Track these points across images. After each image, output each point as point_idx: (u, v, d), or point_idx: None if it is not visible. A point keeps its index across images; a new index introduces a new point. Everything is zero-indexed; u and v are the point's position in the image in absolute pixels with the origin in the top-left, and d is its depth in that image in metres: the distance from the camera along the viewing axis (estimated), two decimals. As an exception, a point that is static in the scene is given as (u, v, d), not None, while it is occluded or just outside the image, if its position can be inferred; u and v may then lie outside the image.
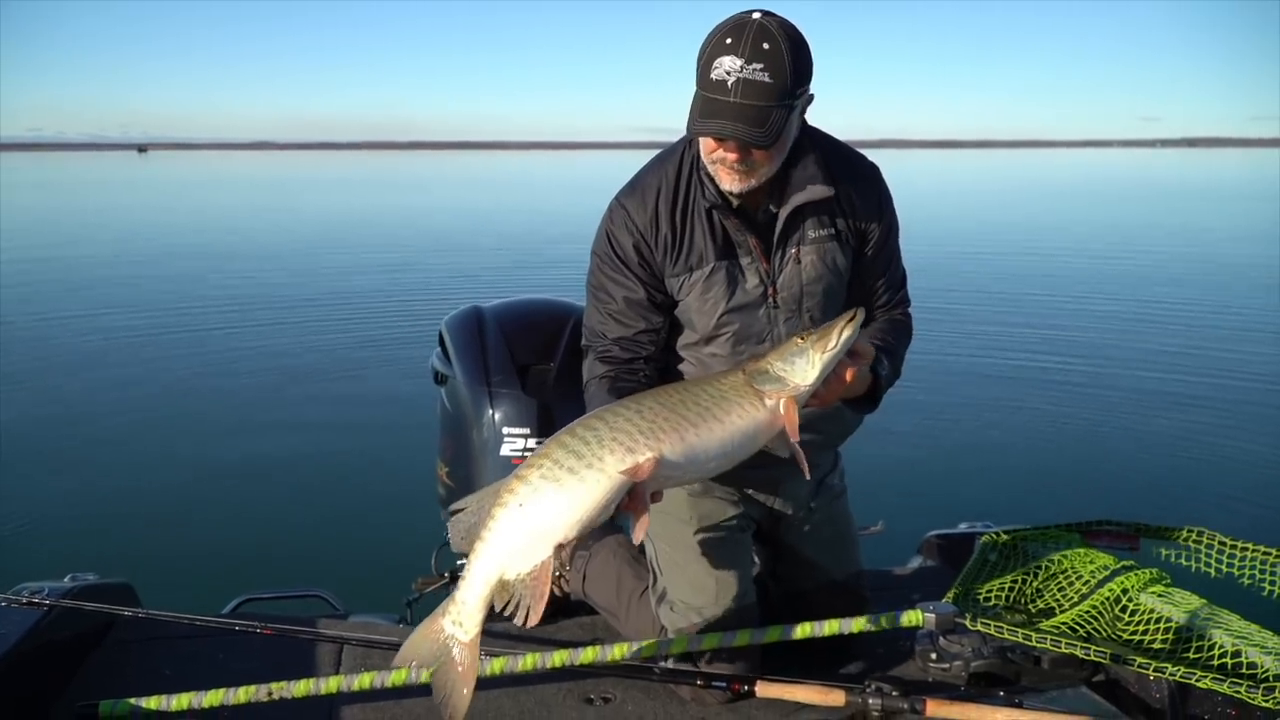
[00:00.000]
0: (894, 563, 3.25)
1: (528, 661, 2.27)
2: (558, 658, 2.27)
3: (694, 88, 2.07)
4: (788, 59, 1.99)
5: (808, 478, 1.97)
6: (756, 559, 2.63)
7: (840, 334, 1.88)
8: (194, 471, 6.88)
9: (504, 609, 1.64)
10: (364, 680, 2.22)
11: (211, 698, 2.14)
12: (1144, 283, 15.68)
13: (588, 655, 2.26)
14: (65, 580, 2.69)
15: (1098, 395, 8.86)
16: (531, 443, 3.09)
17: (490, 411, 3.11)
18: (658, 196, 2.23)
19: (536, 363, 3.19)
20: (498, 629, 2.82)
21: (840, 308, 2.28)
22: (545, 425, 3.11)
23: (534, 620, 1.60)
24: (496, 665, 2.25)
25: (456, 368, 3.25)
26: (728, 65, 1.98)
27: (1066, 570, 2.60)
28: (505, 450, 3.10)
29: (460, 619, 1.62)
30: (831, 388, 1.99)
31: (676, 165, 2.26)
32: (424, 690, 2.34)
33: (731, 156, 2.07)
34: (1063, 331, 11.72)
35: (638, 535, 1.75)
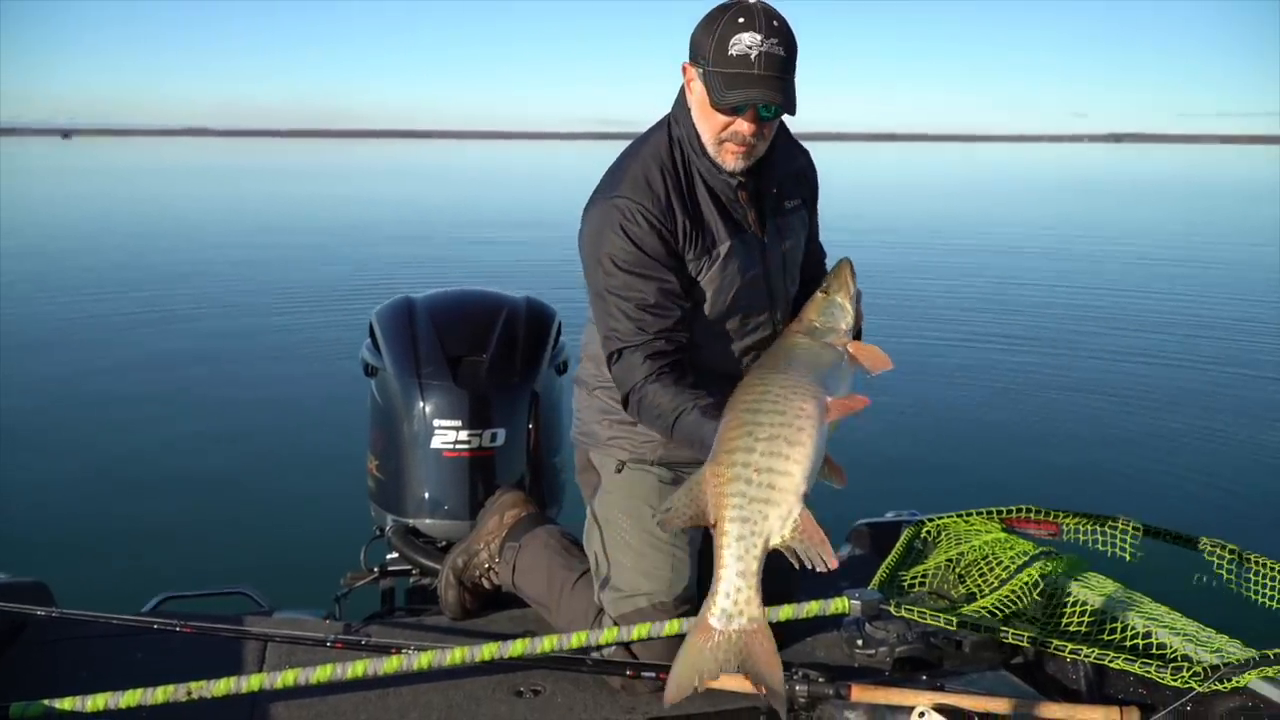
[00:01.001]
0: None
1: (456, 655, 2.25)
2: (486, 651, 2.26)
3: (701, 68, 2.16)
4: (791, 35, 2.14)
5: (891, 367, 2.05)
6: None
7: (847, 275, 2.03)
8: (115, 465, 6.70)
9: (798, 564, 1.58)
10: (288, 677, 2.19)
11: (129, 698, 2.09)
12: (1073, 275, 16.07)
13: (517, 648, 2.26)
14: None
15: (1024, 386, 9.04)
16: (464, 434, 3.08)
17: (421, 404, 3.08)
18: (666, 188, 2.26)
19: (468, 354, 3.17)
20: (425, 623, 2.81)
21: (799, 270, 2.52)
22: (477, 417, 3.10)
23: (832, 563, 1.55)
24: (424, 660, 2.23)
25: (386, 359, 3.22)
26: (748, 40, 2.09)
27: (989, 557, 2.66)
28: (436, 442, 3.08)
29: (741, 609, 1.52)
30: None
31: (668, 153, 2.31)
32: (350, 686, 2.33)
33: (748, 130, 2.17)
34: (991, 323, 11.94)
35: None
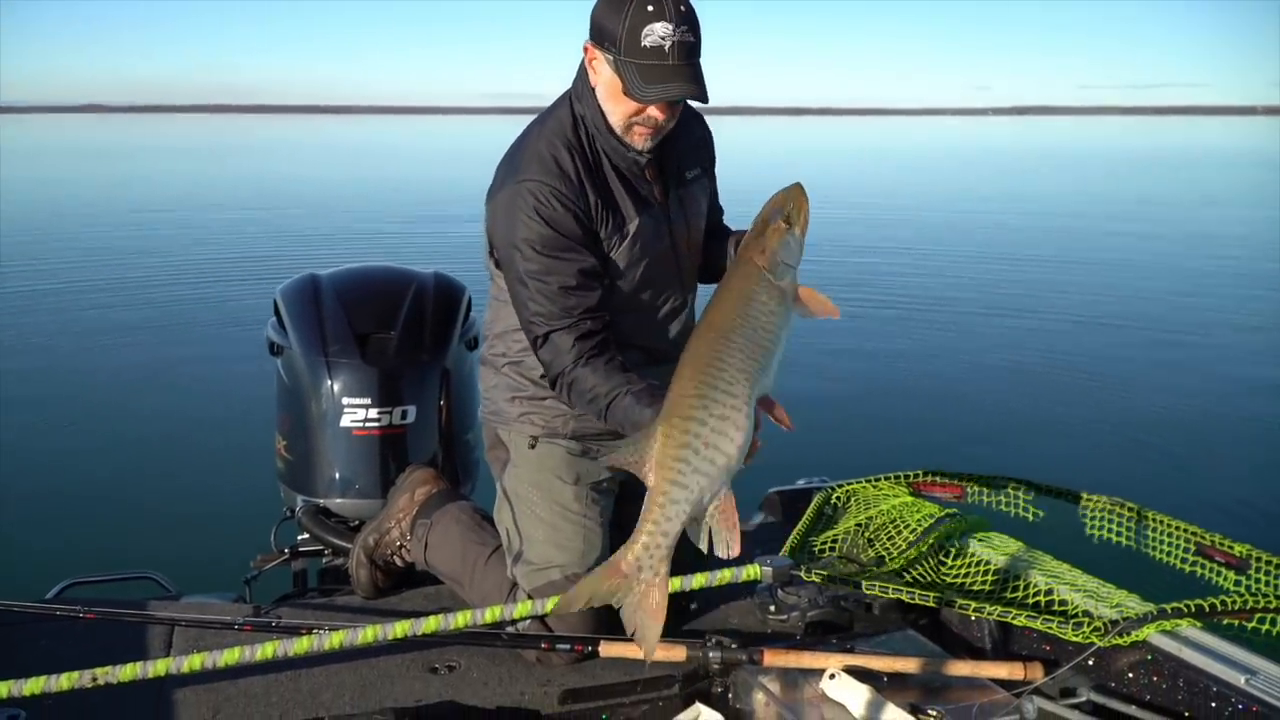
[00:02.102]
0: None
1: (368, 634, 2.22)
2: (399, 628, 2.24)
3: (611, 55, 2.15)
4: (697, 20, 2.15)
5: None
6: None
7: (807, 208, 1.91)
8: (13, 449, 6.47)
9: (708, 546, 1.65)
10: (194, 661, 2.14)
11: (32, 685, 2.03)
12: (981, 245, 16.44)
13: (430, 624, 2.24)
14: None
15: (929, 352, 9.25)
16: (373, 412, 3.04)
17: (329, 382, 3.03)
18: (575, 168, 2.26)
19: (376, 331, 3.13)
20: (338, 604, 2.78)
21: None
22: (387, 394, 3.06)
23: (736, 551, 1.62)
24: (335, 639, 2.20)
25: (293, 337, 3.16)
26: (660, 31, 2.08)
27: (896, 520, 2.72)
28: (346, 421, 3.04)
29: (652, 563, 1.61)
30: None
31: (573, 132, 2.30)
32: (261, 669, 2.29)
33: (662, 116, 2.21)
34: (899, 291, 12.17)
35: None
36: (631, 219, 2.31)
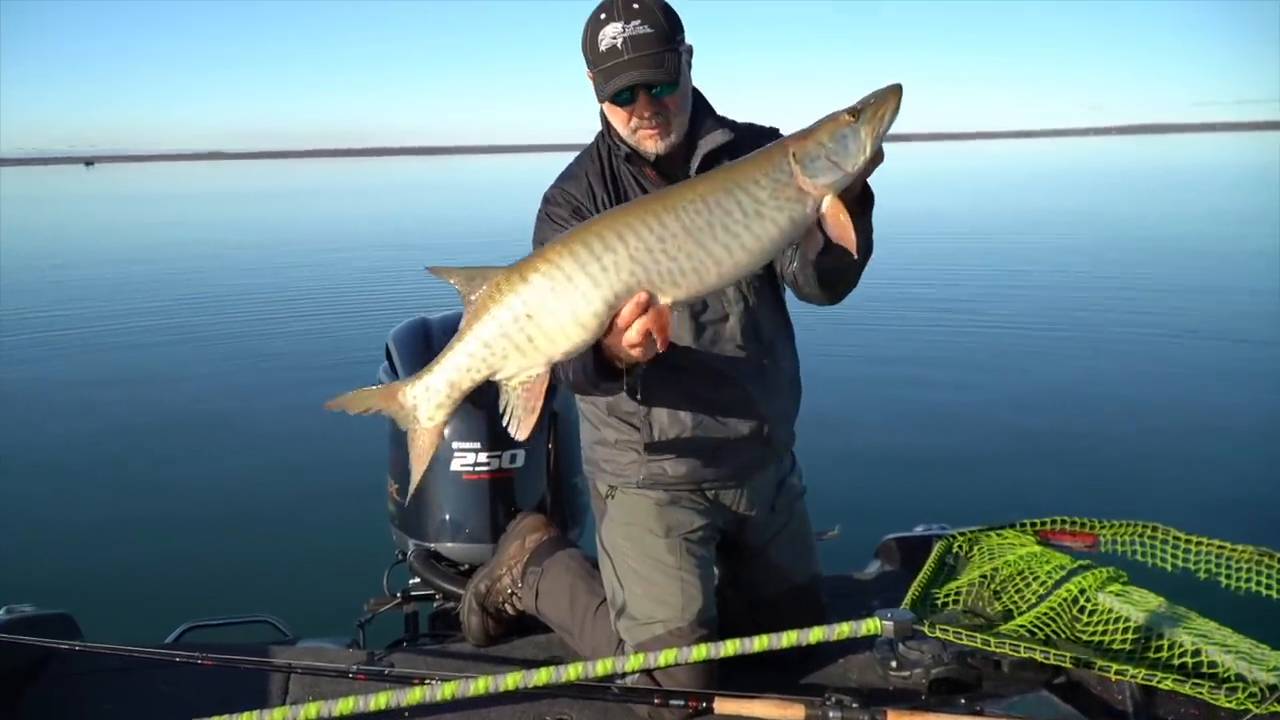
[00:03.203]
0: (852, 568, 3.22)
1: (479, 685, 2.19)
2: (511, 680, 2.20)
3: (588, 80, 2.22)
4: (659, 11, 2.17)
5: (855, 256, 1.77)
6: (716, 568, 2.60)
7: (889, 113, 1.66)
8: (137, 495, 6.65)
9: (500, 414, 1.60)
10: (310, 710, 2.12)
11: (152, 732, 2.06)
12: (1102, 274, 15.52)
13: (542, 676, 2.19)
14: (0, 611, 2.59)
15: (1053, 391, 8.78)
16: (483, 456, 3.04)
17: None
18: (587, 175, 2.36)
19: None
20: (449, 650, 2.76)
21: None
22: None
23: (523, 434, 1.59)
24: (447, 690, 2.17)
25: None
26: (611, 32, 2.15)
27: (1024, 571, 2.58)
28: (455, 465, 3.05)
29: (425, 403, 1.57)
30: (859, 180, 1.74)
31: (596, 150, 2.40)
32: (374, 718, 2.27)
33: (646, 114, 2.21)
34: (1018, 318, 11.73)
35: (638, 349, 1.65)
36: None
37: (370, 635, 3.10)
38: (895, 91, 1.67)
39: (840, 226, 1.65)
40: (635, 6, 2.15)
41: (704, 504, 2.48)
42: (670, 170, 2.33)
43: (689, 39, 2.29)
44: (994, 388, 8.90)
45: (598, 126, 2.41)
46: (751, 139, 2.29)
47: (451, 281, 1.62)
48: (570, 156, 2.52)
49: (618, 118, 2.27)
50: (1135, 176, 53.48)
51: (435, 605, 3.15)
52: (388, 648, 2.83)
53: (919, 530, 3.19)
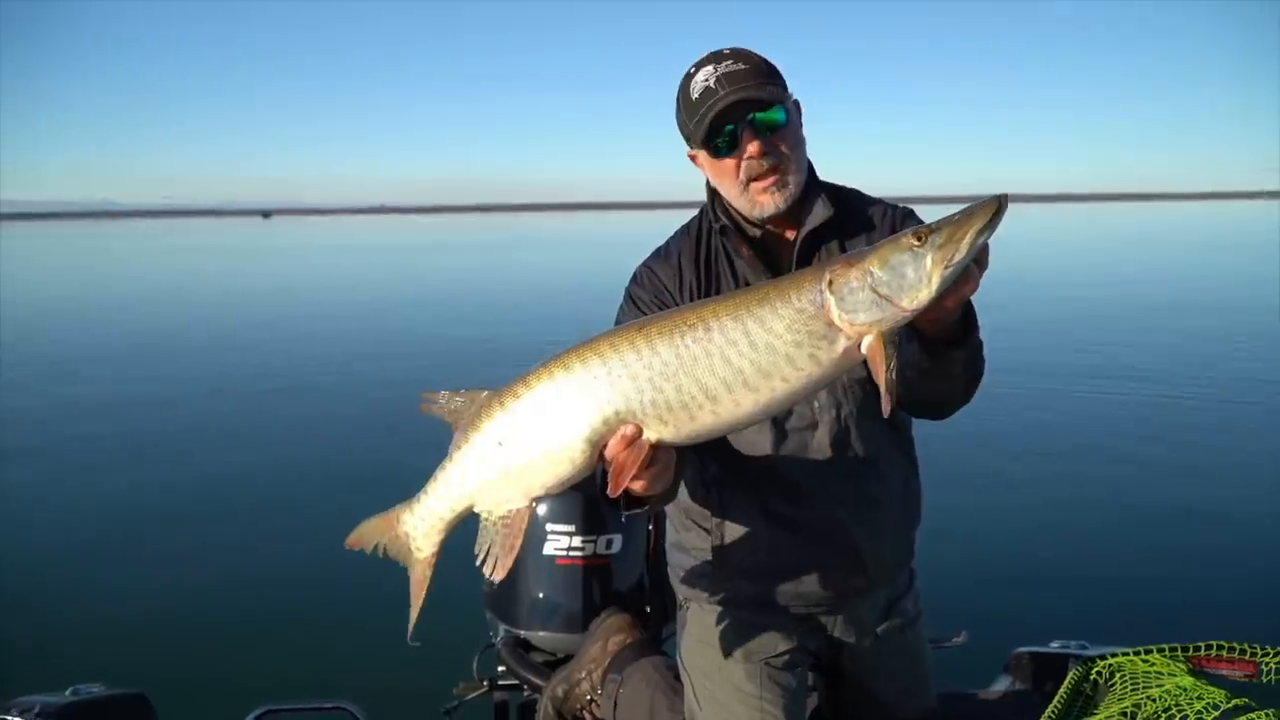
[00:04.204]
0: (977, 681, 2.92)
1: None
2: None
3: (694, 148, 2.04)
4: (755, 55, 1.98)
5: (890, 407, 1.47)
6: (813, 694, 2.33)
7: (972, 234, 1.36)
8: (215, 566, 6.61)
9: (478, 554, 1.53)
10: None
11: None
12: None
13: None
14: (66, 694, 2.54)
15: (1213, 496, 7.97)
16: (577, 540, 2.91)
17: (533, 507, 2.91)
18: (679, 252, 2.12)
19: None
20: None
21: None
22: (592, 522, 2.93)
23: (499, 575, 1.50)
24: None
25: None
26: (701, 77, 1.95)
27: (1170, 709, 2.24)
28: (549, 549, 2.92)
29: (416, 535, 1.54)
30: (928, 315, 1.48)
31: (696, 225, 2.16)
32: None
33: (755, 151, 1.93)
34: (1178, 422, 10.45)
35: (616, 487, 1.50)
36: None
37: None
38: (988, 208, 1.39)
39: (878, 374, 1.40)
40: (726, 51, 1.97)
41: (791, 624, 2.19)
42: (773, 252, 2.05)
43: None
44: (1150, 488, 8.15)
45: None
46: (866, 216, 2.09)
47: (433, 411, 1.55)
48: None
49: (724, 174, 1.99)
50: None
51: (526, 694, 3.01)
52: None
53: (1054, 646, 2.87)
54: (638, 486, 1.54)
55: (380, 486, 8.47)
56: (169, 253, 62.33)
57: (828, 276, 1.39)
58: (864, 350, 1.38)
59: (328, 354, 15.97)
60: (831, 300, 1.37)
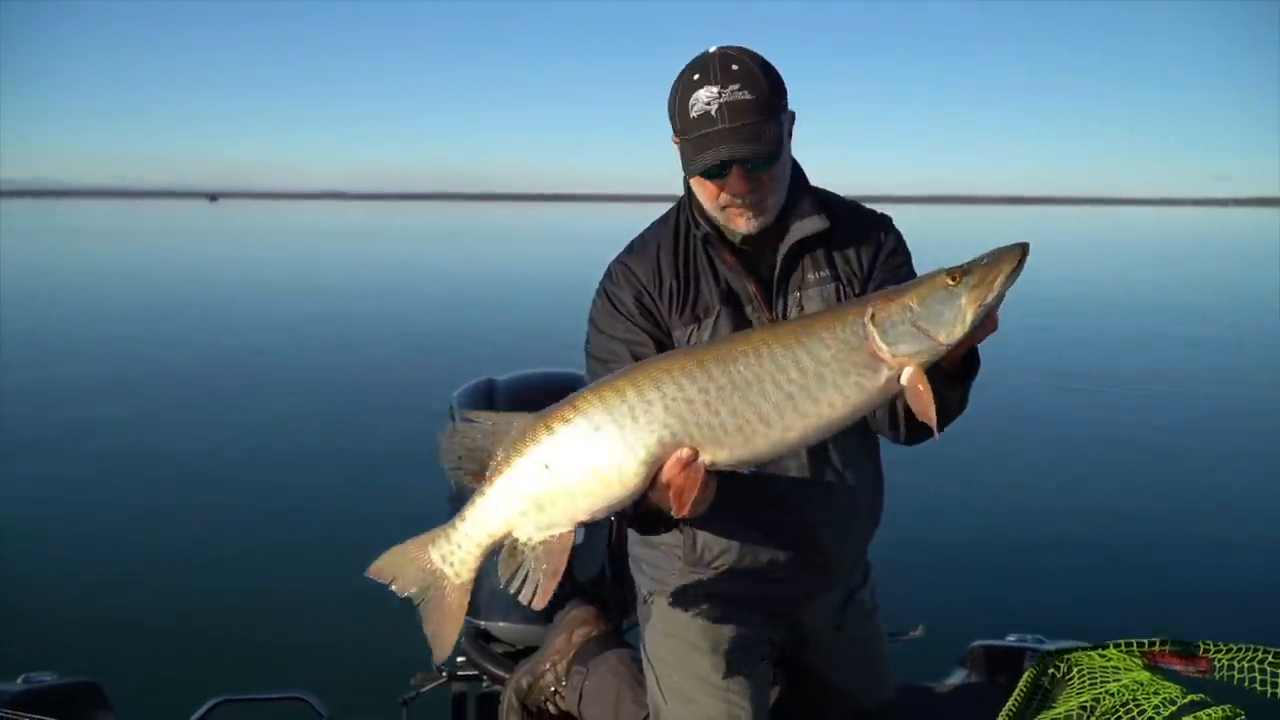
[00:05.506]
0: (934, 675, 2.95)
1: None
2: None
3: (677, 138, 1.98)
4: (760, 73, 1.91)
5: (937, 435, 1.62)
6: (775, 685, 2.36)
7: (1003, 278, 1.48)
8: (175, 552, 6.51)
9: (509, 582, 1.47)
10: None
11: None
12: (1232, 363, 14.42)
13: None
14: (18, 682, 2.47)
15: (1169, 494, 8.16)
16: (539, 531, 2.88)
17: None
18: (658, 250, 2.09)
19: None
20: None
21: None
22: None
23: (540, 602, 1.46)
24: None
25: None
26: (705, 97, 1.89)
27: (1128, 703, 2.27)
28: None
29: (453, 560, 1.47)
30: (954, 352, 1.59)
31: (674, 222, 2.13)
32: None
33: (740, 189, 1.94)
34: (1130, 419, 10.82)
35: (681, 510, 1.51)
36: (713, 309, 2.03)
37: (414, 713, 2.94)
38: (1016, 253, 1.49)
39: (920, 403, 1.48)
40: (734, 68, 1.90)
41: (758, 619, 2.22)
42: (755, 258, 2.06)
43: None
44: (1104, 488, 8.29)
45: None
46: (852, 227, 2.11)
47: (472, 436, 1.49)
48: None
49: (705, 192, 2.00)
50: (1266, 249, 51.17)
51: (484, 686, 2.99)
52: None
53: (1011, 640, 2.91)
54: (682, 512, 1.53)
55: (331, 472, 8.45)
56: (115, 235, 61.13)
57: (870, 310, 1.47)
58: (904, 380, 1.46)
59: (283, 342, 15.79)
60: (875, 333, 1.45)
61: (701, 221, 2.06)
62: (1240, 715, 2.26)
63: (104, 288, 25.27)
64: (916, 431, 2.00)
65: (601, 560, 2.96)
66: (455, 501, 3.04)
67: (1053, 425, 10.34)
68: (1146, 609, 5.43)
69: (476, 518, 1.46)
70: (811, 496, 2.08)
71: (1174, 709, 2.24)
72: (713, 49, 1.95)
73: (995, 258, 1.49)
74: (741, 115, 1.88)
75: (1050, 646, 2.59)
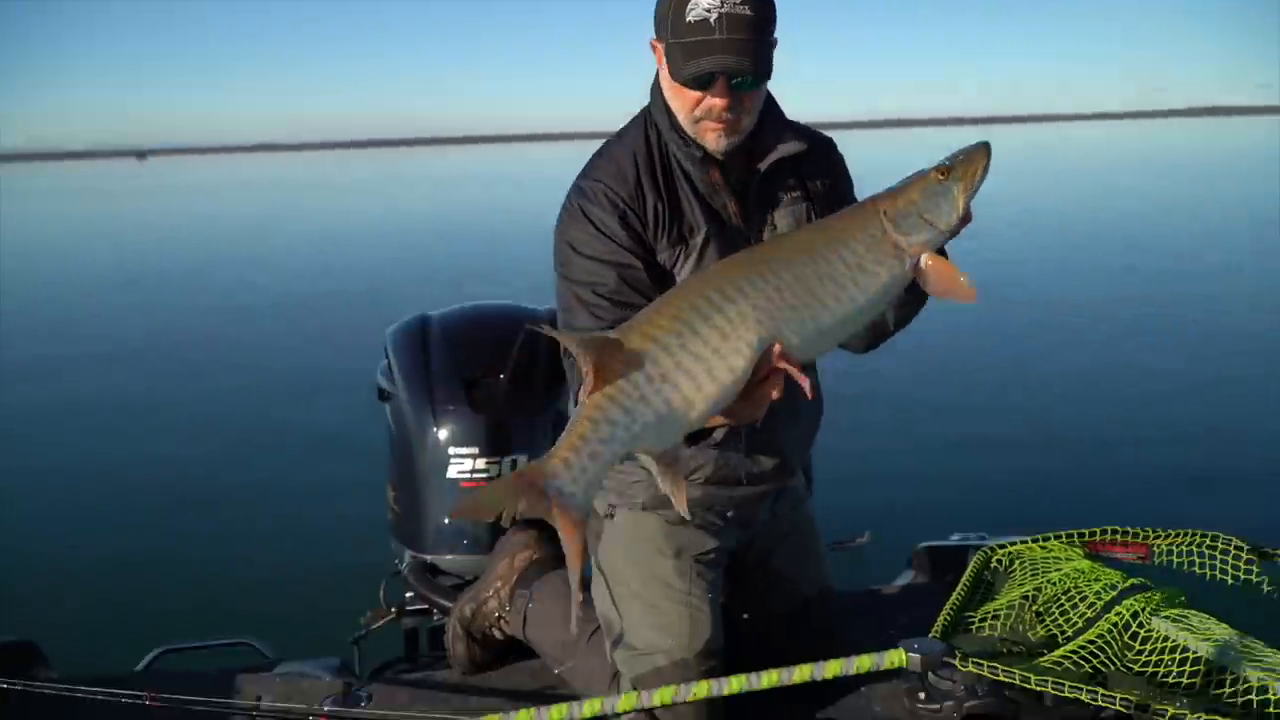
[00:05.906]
0: (882, 579, 2.98)
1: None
2: (491, 720, 1.99)
3: (662, 42, 1.97)
4: None
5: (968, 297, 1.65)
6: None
7: (980, 170, 1.61)
8: (111, 503, 6.35)
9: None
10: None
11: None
12: (1158, 267, 14.78)
13: (521, 718, 1.99)
14: None
15: (1101, 390, 8.34)
16: (481, 463, 2.84)
17: (435, 431, 2.85)
18: (636, 167, 2.05)
19: (484, 375, 2.92)
20: (435, 680, 2.56)
21: None
22: (495, 443, 2.85)
23: (682, 509, 1.47)
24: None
25: (400, 383, 2.99)
26: (705, 3, 1.87)
27: (1070, 590, 2.32)
28: (453, 472, 2.85)
29: (575, 489, 1.34)
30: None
31: (644, 136, 2.09)
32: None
33: (720, 103, 1.93)
34: (1065, 321, 11.12)
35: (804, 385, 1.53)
36: (699, 230, 2.03)
37: (366, 650, 2.91)
38: (984, 150, 1.63)
39: (946, 279, 1.59)
40: None
41: (719, 524, 2.27)
42: (738, 175, 2.07)
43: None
44: (1039, 388, 8.45)
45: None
46: (817, 151, 2.17)
47: (569, 346, 1.51)
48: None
49: (682, 101, 1.98)
50: (1201, 159, 51.89)
51: (435, 620, 2.96)
52: (373, 672, 2.64)
53: (955, 539, 2.95)
54: (763, 412, 1.56)
55: (266, 412, 8.37)
56: (42, 199, 59.40)
57: (881, 208, 1.58)
58: (923, 265, 1.58)
59: (220, 292, 15.56)
60: (890, 226, 1.56)
61: (681, 139, 2.03)
62: (1180, 597, 2.31)
63: (32, 259, 24.52)
64: (873, 334, 2.13)
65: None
66: (395, 442, 3.00)
67: (990, 331, 10.50)
68: (1087, 502, 5.56)
69: (592, 438, 1.37)
70: (776, 403, 2.08)
71: (1114, 594, 2.28)
72: None
73: (969, 155, 1.61)
74: (740, 29, 1.87)
75: (993, 542, 2.62)
